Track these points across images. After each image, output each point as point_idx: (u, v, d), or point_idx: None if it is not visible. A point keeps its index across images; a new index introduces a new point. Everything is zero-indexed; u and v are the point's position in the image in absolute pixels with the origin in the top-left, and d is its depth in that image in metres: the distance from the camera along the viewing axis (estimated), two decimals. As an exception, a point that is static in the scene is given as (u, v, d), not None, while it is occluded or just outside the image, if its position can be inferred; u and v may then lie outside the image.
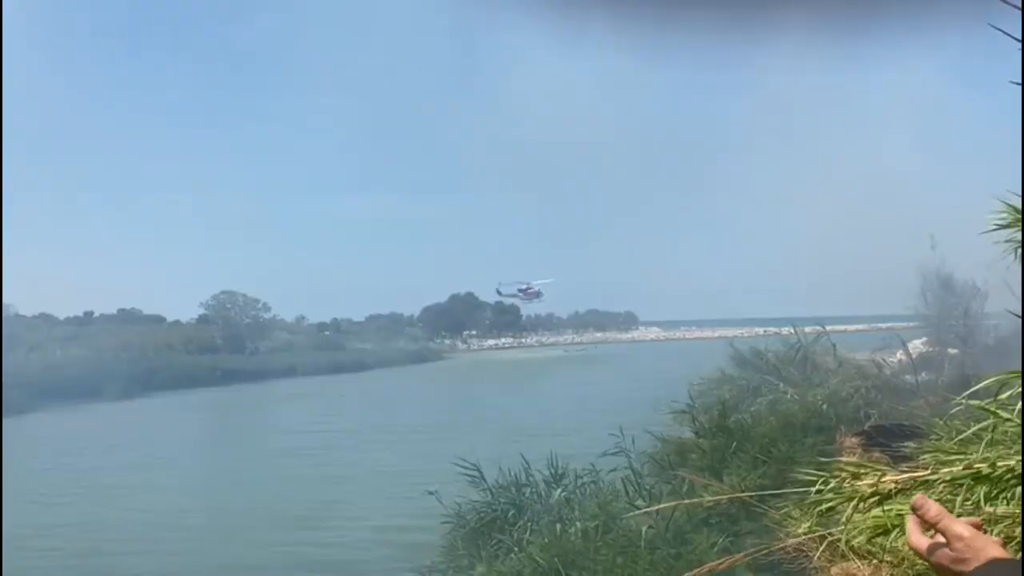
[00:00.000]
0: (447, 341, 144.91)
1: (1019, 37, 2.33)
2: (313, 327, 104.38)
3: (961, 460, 3.02)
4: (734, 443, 8.39)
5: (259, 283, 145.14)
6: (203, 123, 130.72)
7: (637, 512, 5.94)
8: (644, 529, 6.36)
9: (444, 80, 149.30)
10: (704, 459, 8.42)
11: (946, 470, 2.99)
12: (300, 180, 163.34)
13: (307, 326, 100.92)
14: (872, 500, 3.19)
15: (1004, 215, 3.32)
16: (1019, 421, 3.19)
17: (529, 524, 8.77)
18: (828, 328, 16.11)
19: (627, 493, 8.51)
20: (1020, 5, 2.27)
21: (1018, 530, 3.19)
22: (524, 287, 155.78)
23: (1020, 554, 3.00)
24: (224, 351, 72.61)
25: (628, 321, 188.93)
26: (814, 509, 3.29)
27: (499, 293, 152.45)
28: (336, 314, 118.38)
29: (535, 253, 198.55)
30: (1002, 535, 3.18)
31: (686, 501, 4.79)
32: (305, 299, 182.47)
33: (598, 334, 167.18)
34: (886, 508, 3.18)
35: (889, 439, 6.11)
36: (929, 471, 3.06)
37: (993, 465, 2.88)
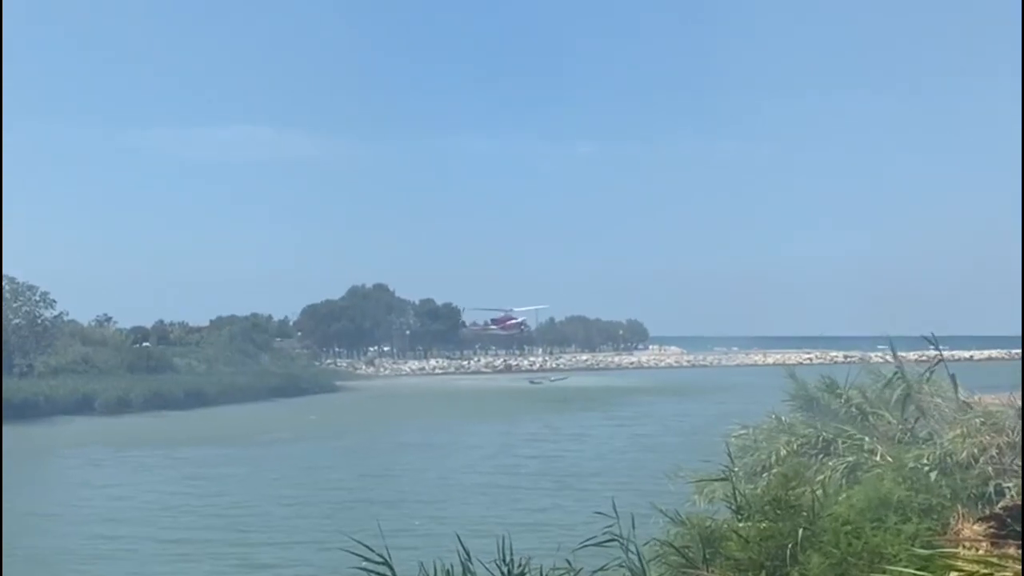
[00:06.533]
0: (343, 361, 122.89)
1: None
2: (123, 334, 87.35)
3: None
4: (797, 528, 7.59)
5: (38, 262, 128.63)
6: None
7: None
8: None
9: None
10: (748, 551, 7.65)
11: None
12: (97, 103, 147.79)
13: (114, 332, 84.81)
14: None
15: None
16: None
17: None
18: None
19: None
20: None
21: None
22: (500, 316, 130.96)
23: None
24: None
25: (634, 335, 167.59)
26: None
27: (463, 325, 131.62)
28: (160, 314, 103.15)
29: (487, 235, 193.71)
30: None
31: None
32: (113, 288, 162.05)
33: (585, 355, 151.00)
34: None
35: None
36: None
37: None
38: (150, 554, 25.48)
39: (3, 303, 66.65)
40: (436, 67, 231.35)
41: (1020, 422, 11.25)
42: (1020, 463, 11.22)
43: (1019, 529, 8.85)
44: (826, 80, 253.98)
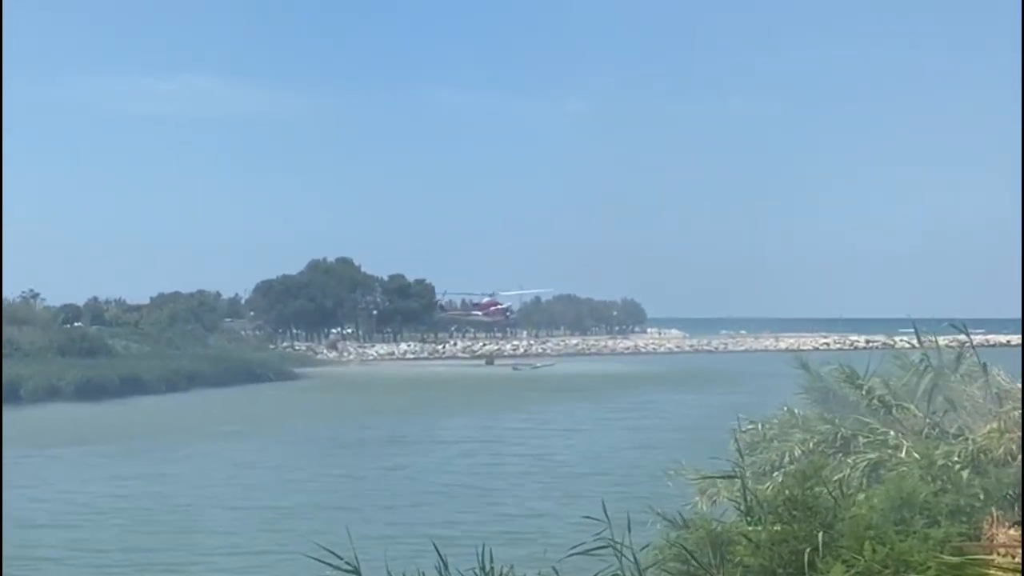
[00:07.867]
0: (301, 344, 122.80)
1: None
2: (53, 312, 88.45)
3: None
4: (814, 532, 7.67)
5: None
6: None
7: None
8: None
9: None
10: (759, 557, 7.73)
11: None
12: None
13: (42, 310, 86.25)
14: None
15: None
16: None
17: None
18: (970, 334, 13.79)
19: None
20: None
21: None
22: (484, 300, 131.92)
23: None
24: None
25: (630, 316, 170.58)
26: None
27: (441, 309, 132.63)
28: (95, 290, 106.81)
29: (464, 203, 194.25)
30: None
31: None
32: (40, 260, 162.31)
33: (574, 339, 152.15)
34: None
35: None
36: None
37: None
38: (71, 567, 24.61)
39: None
40: (403, 8, 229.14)
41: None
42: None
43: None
44: (843, 30, 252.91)
